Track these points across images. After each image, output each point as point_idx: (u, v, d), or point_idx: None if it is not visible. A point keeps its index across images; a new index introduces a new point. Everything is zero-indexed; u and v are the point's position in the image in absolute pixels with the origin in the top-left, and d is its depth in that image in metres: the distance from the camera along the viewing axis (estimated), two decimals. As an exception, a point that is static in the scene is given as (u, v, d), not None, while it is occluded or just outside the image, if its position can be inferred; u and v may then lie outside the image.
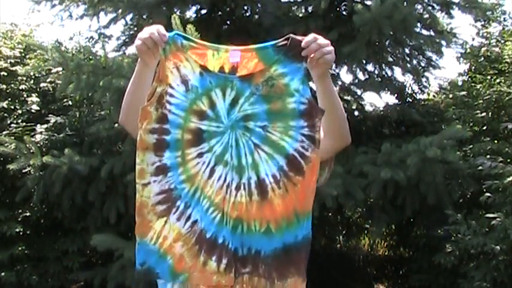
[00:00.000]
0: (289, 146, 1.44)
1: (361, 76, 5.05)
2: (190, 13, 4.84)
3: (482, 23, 5.79)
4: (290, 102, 1.44)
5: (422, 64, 5.15)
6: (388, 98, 5.98)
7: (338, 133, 1.59)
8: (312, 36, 1.44)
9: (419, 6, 4.49)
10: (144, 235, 1.46)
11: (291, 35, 1.46)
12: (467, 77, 5.72)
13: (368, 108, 5.27)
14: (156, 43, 1.44)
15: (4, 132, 4.55)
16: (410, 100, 5.38)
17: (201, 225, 1.44)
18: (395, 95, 5.20)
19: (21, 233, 4.50)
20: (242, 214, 1.43)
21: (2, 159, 4.52)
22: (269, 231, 1.43)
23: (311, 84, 1.54)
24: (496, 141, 4.46)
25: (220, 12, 4.81)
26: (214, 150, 1.45)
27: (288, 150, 1.44)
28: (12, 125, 4.73)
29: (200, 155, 1.45)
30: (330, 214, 5.22)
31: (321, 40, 1.44)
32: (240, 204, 1.43)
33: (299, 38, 1.44)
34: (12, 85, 5.05)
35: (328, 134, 1.51)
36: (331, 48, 1.44)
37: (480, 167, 3.87)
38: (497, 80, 5.13)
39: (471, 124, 4.77)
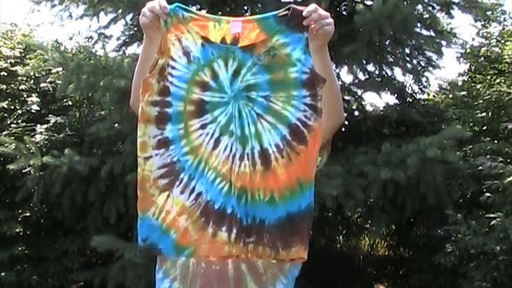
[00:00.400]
0: (291, 116, 1.43)
1: (361, 76, 5.05)
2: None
3: (482, 23, 5.79)
4: (292, 72, 1.44)
5: (422, 64, 5.14)
6: (388, 98, 6.00)
7: (334, 109, 1.58)
8: (313, 6, 1.45)
9: (419, 6, 4.49)
10: (146, 210, 1.44)
11: (292, 5, 1.46)
12: (467, 77, 5.73)
13: (368, 108, 5.28)
14: (157, 16, 1.46)
15: (4, 132, 4.56)
16: (410, 100, 5.38)
17: (207, 197, 1.43)
18: (396, 95, 5.20)
19: (21, 233, 4.50)
20: (246, 184, 1.43)
21: (2, 159, 4.52)
22: (273, 201, 1.43)
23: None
24: (496, 141, 4.46)
25: (220, 12, 4.80)
26: (218, 121, 1.44)
27: (291, 120, 1.43)
28: (12, 125, 4.74)
29: (203, 126, 1.44)
30: (330, 214, 5.22)
31: (322, 11, 1.45)
32: (244, 174, 1.43)
33: (300, 8, 1.45)
34: (12, 85, 5.05)
35: (324, 109, 1.49)
36: (331, 20, 1.46)
37: (480, 167, 3.88)
38: (497, 80, 5.14)
39: (471, 124, 4.77)
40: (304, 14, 1.43)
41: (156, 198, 1.44)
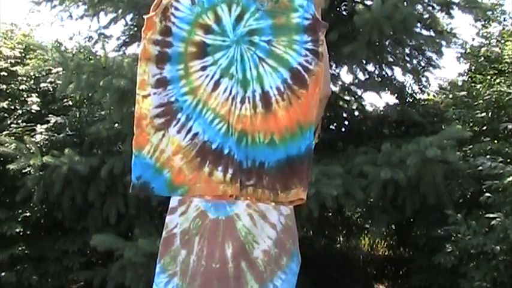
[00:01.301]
0: (293, 60, 1.45)
1: (361, 76, 5.05)
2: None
3: (482, 23, 5.79)
4: (294, 17, 1.45)
5: (422, 64, 5.15)
6: (388, 98, 5.99)
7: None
8: None
9: (419, 6, 4.49)
10: (141, 148, 1.45)
11: None
12: (467, 77, 5.72)
13: (368, 108, 5.28)
14: None
15: (4, 132, 4.55)
16: (410, 100, 5.38)
17: (205, 137, 1.44)
18: (396, 95, 5.20)
19: (21, 233, 4.50)
20: (247, 127, 1.44)
21: (2, 159, 4.52)
22: (273, 143, 1.44)
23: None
24: (496, 141, 4.45)
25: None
26: (219, 64, 1.45)
27: (292, 64, 1.45)
28: (12, 125, 4.73)
29: (203, 68, 1.46)
30: (330, 214, 5.22)
31: None
32: (245, 117, 1.44)
33: None
34: (12, 85, 5.05)
35: None
36: None
37: (480, 167, 3.87)
38: (497, 80, 5.13)
39: (471, 124, 4.76)
40: None
41: (151, 136, 1.44)
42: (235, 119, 1.43)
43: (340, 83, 5.04)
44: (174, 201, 1.74)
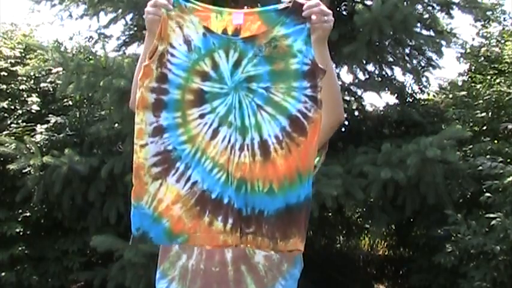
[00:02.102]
0: (292, 107, 1.43)
1: (361, 76, 5.06)
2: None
3: (482, 23, 5.79)
4: (293, 63, 1.43)
5: (422, 64, 5.15)
6: (388, 98, 5.98)
7: (333, 104, 1.58)
8: (315, 1, 1.46)
9: (419, 6, 4.49)
10: (140, 198, 1.44)
11: None
12: (467, 77, 5.73)
13: (368, 108, 5.27)
14: (162, 6, 1.44)
15: (4, 132, 4.55)
16: (410, 100, 5.38)
17: (203, 186, 1.43)
18: (396, 95, 5.20)
19: (21, 233, 4.50)
20: (246, 174, 1.43)
21: (2, 159, 4.52)
22: (272, 192, 1.43)
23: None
24: (496, 141, 4.45)
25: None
26: (217, 112, 1.44)
27: (291, 111, 1.43)
28: (12, 125, 4.73)
29: (202, 116, 1.44)
30: (330, 214, 5.22)
31: (324, 7, 1.46)
32: (244, 165, 1.43)
33: (302, 0, 1.45)
34: (12, 85, 5.05)
35: (323, 106, 1.48)
36: (331, 18, 1.47)
37: (480, 167, 3.87)
38: (497, 80, 5.13)
39: (471, 124, 4.77)
40: (304, 7, 1.44)
41: (148, 186, 1.43)
42: (235, 166, 1.42)
43: (340, 83, 5.04)
44: None
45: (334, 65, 4.64)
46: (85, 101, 5.05)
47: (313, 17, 1.44)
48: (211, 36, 1.44)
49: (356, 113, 5.10)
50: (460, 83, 5.57)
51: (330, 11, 1.47)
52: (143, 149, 1.44)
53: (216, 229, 1.42)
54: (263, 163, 1.43)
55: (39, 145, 4.37)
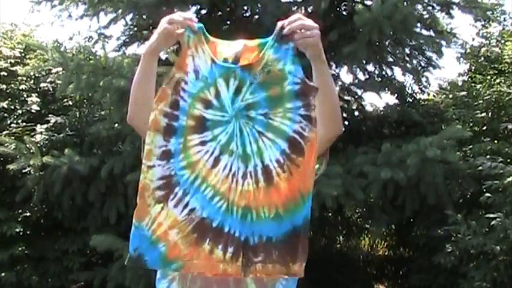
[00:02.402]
0: (288, 129, 1.44)
1: (361, 76, 5.06)
2: (190, 13, 4.84)
3: (482, 23, 5.80)
4: (286, 85, 1.45)
5: (422, 64, 5.15)
6: (388, 98, 5.99)
7: (329, 118, 1.58)
8: (296, 15, 1.45)
9: (419, 6, 4.49)
10: (141, 219, 1.44)
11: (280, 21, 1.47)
12: (467, 77, 5.73)
13: (368, 108, 5.28)
14: (185, 26, 1.48)
15: (4, 132, 4.56)
16: (410, 100, 5.38)
17: (203, 213, 1.43)
18: (396, 95, 5.20)
19: (21, 233, 4.50)
20: (250, 202, 1.43)
21: (2, 159, 4.52)
22: (278, 216, 1.43)
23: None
24: (496, 141, 4.46)
25: (220, 12, 4.80)
26: (218, 140, 1.45)
27: (288, 133, 1.44)
28: (12, 125, 4.74)
29: (203, 143, 1.45)
30: (330, 214, 5.22)
31: (307, 21, 1.44)
32: (248, 193, 1.43)
33: (285, 21, 1.46)
34: (12, 85, 5.05)
35: (320, 120, 1.49)
36: (315, 31, 1.44)
37: (480, 167, 3.87)
38: (497, 80, 5.14)
39: (471, 124, 4.77)
40: (285, 24, 1.44)
41: (150, 208, 1.44)
42: (238, 195, 1.42)
43: (340, 83, 5.04)
44: None
45: (334, 65, 4.69)
46: (85, 101, 5.05)
47: (296, 35, 1.44)
48: (215, 66, 1.46)
49: (356, 113, 5.10)
50: (460, 83, 5.57)
51: (314, 24, 1.45)
52: (150, 170, 1.45)
53: (216, 257, 1.42)
54: (267, 189, 1.43)
55: (39, 145, 4.37)
